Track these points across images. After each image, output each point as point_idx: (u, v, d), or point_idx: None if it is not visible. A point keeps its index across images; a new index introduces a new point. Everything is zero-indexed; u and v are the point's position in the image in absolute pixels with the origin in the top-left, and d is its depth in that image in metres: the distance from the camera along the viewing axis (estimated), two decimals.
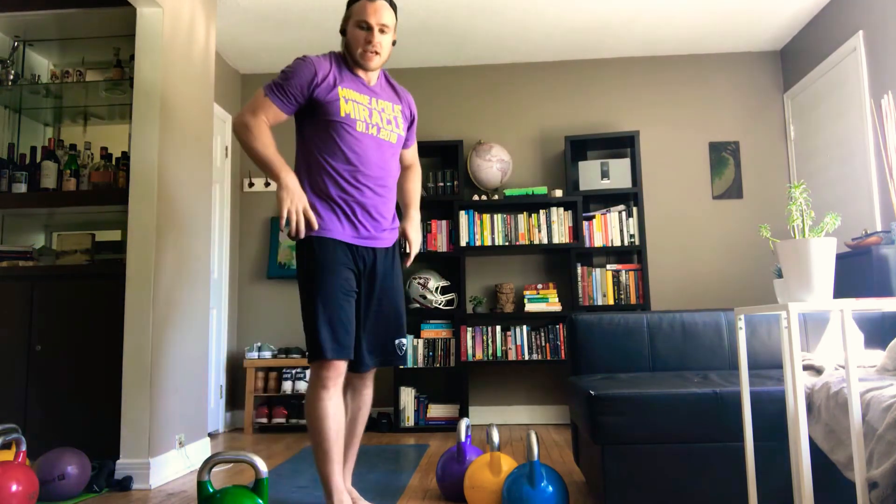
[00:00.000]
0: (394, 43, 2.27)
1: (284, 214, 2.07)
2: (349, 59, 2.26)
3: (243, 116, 2.18)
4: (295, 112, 2.23)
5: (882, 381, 1.97)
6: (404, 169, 2.53)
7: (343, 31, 2.28)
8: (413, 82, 5.05)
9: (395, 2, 2.28)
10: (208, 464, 1.94)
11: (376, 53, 2.20)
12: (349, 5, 2.27)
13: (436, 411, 4.49)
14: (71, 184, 3.33)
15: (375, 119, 2.22)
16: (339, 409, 2.16)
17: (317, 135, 2.20)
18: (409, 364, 4.49)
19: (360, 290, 2.25)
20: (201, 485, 1.93)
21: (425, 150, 4.74)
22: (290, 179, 2.12)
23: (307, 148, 2.24)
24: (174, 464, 3.10)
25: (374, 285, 2.27)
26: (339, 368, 2.15)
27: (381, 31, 2.21)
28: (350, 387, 2.37)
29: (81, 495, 2.74)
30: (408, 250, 2.43)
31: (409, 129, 2.40)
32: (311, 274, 2.16)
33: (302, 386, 4.50)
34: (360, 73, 2.26)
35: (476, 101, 5.02)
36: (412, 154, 2.54)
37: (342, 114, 2.16)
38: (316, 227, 2.14)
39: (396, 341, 2.32)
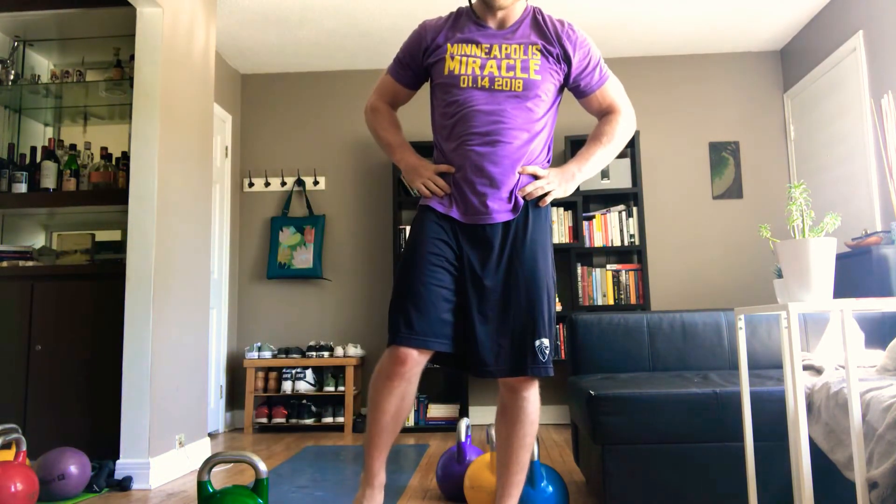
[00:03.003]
0: None
1: (423, 190, 1.92)
2: (476, 1, 1.96)
3: (368, 100, 2.08)
4: (415, 83, 2.04)
5: (882, 381, 1.97)
6: (599, 119, 2.06)
7: None
8: None
9: None
10: (208, 464, 1.94)
11: None
12: None
13: (436, 411, 4.49)
14: (71, 184, 3.33)
15: (490, 69, 1.87)
16: (400, 400, 1.85)
17: (435, 106, 1.97)
18: None
19: (470, 277, 1.84)
20: (201, 485, 1.93)
21: (425, 150, 4.74)
22: (407, 157, 1.97)
23: (432, 124, 2.00)
24: (174, 464, 3.10)
25: (489, 271, 1.83)
26: (409, 359, 1.80)
27: None
28: (500, 399, 1.92)
29: (81, 495, 2.74)
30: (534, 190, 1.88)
31: (565, 71, 1.93)
32: (405, 247, 1.92)
33: (302, 386, 4.50)
34: (489, 18, 1.93)
35: None
36: (602, 100, 1.99)
37: (445, 72, 1.89)
38: (446, 188, 1.89)
39: (536, 342, 1.80)
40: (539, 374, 1.80)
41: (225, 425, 4.66)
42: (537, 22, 1.93)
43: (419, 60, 1.96)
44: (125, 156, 3.39)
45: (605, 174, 4.59)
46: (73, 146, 3.43)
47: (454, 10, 1.99)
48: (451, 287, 1.83)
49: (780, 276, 3.07)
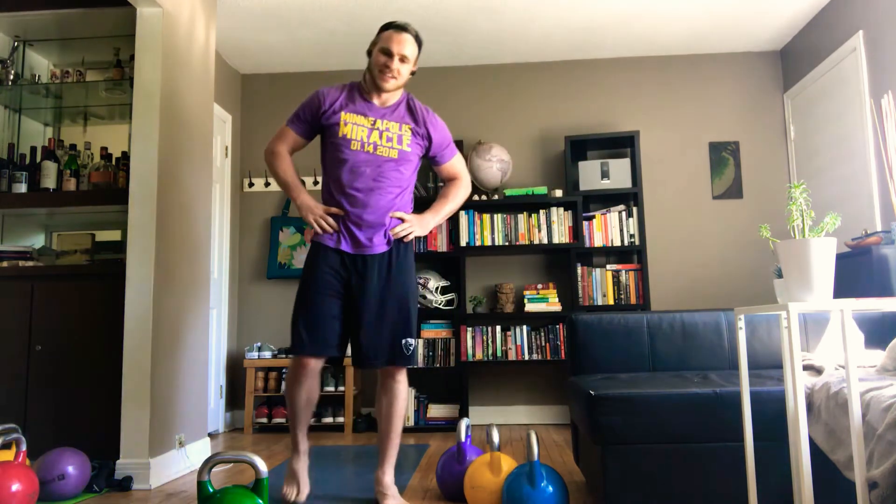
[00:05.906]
0: (413, 73, 2.55)
1: (314, 224, 2.49)
2: (369, 79, 2.54)
3: (270, 145, 2.62)
4: (310, 135, 2.60)
5: (882, 381, 1.97)
6: (446, 181, 2.77)
7: (369, 53, 2.56)
8: (412, 82, 5.03)
9: (421, 38, 2.56)
10: (208, 464, 1.94)
11: (393, 77, 2.48)
12: (380, 31, 2.55)
13: (436, 411, 4.49)
14: (71, 184, 3.33)
15: (374, 138, 2.49)
16: (309, 389, 2.55)
17: (325, 153, 2.55)
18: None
19: (356, 294, 2.48)
20: (201, 485, 1.93)
21: None
22: (303, 198, 2.53)
23: (323, 165, 2.59)
24: (174, 464, 3.10)
25: (370, 289, 2.47)
26: (311, 364, 2.49)
27: (402, 60, 2.48)
28: (380, 384, 2.59)
29: (81, 495, 2.74)
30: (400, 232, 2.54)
31: (426, 146, 2.61)
32: (302, 275, 2.53)
33: None
34: (374, 96, 2.54)
35: (476, 101, 5.03)
36: (450, 169, 2.73)
37: (340, 135, 2.49)
38: (335, 226, 2.48)
39: (403, 341, 2.49)
40: (406, 364, 2.52)
41: (225, 425, 4.66)
42: (410, 107, 2.60)
43: (318, 119, 2.56)
44: (125, 156, 3.39)
45: (605, 174, 4.59)
46: (73, 146, 3.43)
47: (346, 83, 2.62)
48: (339, 307, 2.48)
49: (780, 276, 3.07)
